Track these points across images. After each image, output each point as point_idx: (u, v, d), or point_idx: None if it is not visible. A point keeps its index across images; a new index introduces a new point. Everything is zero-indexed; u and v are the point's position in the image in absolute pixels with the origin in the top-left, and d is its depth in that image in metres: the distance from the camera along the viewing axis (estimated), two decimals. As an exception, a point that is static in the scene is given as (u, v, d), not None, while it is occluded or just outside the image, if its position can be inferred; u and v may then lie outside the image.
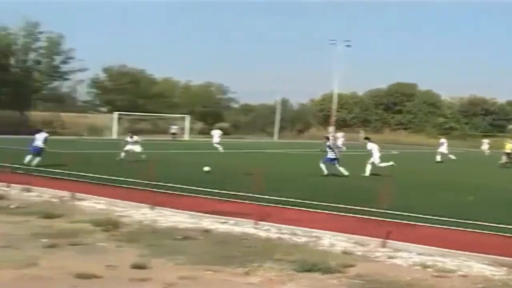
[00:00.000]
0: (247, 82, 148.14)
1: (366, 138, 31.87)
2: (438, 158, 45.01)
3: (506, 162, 42.50)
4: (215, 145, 47.27)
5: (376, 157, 29.67)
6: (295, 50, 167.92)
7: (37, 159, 26.96)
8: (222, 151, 45.48)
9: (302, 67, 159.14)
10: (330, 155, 28.81)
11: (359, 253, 12.31)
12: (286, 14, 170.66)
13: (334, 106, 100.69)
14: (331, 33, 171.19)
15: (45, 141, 28.27)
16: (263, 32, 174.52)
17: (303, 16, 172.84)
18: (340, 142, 54.18)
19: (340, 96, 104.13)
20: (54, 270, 9.88)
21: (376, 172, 28.62)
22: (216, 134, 50.07)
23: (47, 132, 29.59)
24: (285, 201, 18.48)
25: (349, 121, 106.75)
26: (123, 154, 32.26)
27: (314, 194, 20.36)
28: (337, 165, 28.42)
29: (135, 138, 33.69)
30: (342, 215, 16.74)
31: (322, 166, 28.25)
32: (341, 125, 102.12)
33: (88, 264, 10.31)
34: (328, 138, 31.04)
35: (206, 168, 27.32)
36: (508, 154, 43.16)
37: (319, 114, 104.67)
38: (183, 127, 78.57)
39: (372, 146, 30.15)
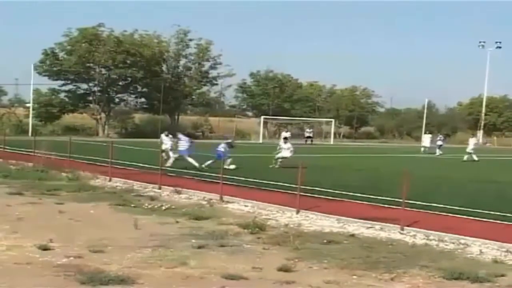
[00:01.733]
0: (393, 86, 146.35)
1: (285, 139, 34.99)
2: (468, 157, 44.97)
3: None
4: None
5: (284, 152, 31.21)
6: (442, 53, 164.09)
7: (209, 162, 28.53)
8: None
9: (450, 70, 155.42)
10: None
11: (511, 263, 11.83)
12: (433, 16, 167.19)
13: (483, 109, 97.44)
14: (481, 35, 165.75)
15: (226, 148, 29.86)
16: (408, 34, 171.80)
17: (450, 17, 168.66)
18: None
19: (489, 99, 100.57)
20: (204, 270, 10.16)
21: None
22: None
23: (228, 141, 31.46)
24: (433, 206, 18.05)
25: (499, 125, 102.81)
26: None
27: (463, 200, 19.74)
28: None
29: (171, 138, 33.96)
30: (492, 222, 16.15)
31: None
32: (490, 129, 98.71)
33: (235, 265, 10.52)
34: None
35: (232, 166, 27.90)
36: None
37: (467, 118, 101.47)
38: (319, 131, 78.62)
39: (285, 145, 31.93)
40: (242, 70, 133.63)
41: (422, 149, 54.88)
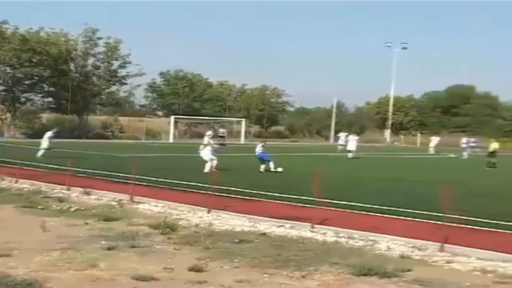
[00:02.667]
0: (303, 85, 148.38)
1: (221, 137, 35.61)
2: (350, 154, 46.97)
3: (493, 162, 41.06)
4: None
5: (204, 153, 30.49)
6: (351, 53, 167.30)
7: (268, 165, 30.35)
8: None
9: (358, 70, 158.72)
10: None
11: (417, 258, 12.15)
12: (342, 16, 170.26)
13: (390, 109, 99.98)
14: (388, 36, 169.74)
15: (263, 148, 31.52)
16: (318, 34, 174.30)
17: (358, 18, 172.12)
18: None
19: (396, 99, 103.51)
20: (114, 272, 10.01)
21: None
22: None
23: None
24: (344, 205, 18.36)
25: (406, 124, 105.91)
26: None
27: (372, 198, 20.20)
28: None
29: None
30: (400, 219, 16.55)
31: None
32: (397, 128, 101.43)
33: (146, 267, 10.41)
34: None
35: (280, 169, 29.52)
36: (491, 153, 42.31)
37: (375, 117, 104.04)
38: (230, 130, 79.08)
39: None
40: (152, 69, 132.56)
41: (339, 147, 55.80)
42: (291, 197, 19.53)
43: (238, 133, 78.94)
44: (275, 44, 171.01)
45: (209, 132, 41.07)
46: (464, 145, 57.18)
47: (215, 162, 29.03)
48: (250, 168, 31.07)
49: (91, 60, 72.72)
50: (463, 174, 35.30)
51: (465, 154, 54.88)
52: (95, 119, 79.04)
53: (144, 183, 21.86)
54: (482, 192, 25.11)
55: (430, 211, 16.75)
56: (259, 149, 31.18)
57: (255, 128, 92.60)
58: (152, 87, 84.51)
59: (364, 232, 14.19)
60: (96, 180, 23.41)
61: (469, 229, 15.16)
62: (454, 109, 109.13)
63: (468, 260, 11.98)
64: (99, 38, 71.43)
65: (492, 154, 41.96)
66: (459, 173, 36.30)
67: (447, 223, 13.24)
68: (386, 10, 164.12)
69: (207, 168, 28.36)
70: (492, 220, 16.04)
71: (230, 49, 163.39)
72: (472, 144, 58.59)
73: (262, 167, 30.17)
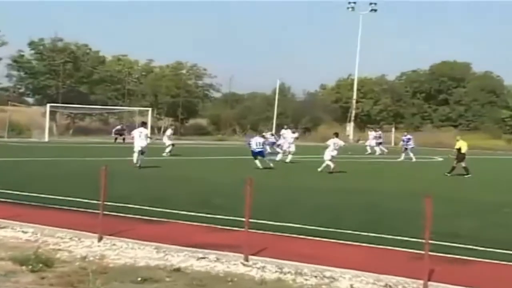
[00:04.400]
0: (233, 63, 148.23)
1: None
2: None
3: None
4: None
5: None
6: (300, 18, 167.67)
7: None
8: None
9: (309, 43, 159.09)
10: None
11: (392, 301, 12.34)
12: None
13: (354, 95, 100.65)
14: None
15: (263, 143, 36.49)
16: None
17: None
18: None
19: (362, 81, 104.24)
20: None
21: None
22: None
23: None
24: (287, 227, 18.46)
25: (375, 116, 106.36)
26: None
27: (326, 218, 20.35)
28: None
29: None
30: (366, 247, 16.72)
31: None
32: (364, 121, 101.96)
33: (8, 319, 10.32)
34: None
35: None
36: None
37: (333, 107, 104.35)
38: (131, 124, 78.82)
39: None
40: (18, 38, 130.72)
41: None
42: (212, 217, 19.55)
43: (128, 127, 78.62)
44: (189, 6, 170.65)
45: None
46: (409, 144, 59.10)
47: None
48: (155, 178, 30.98)
49: None
50: (426, 182, 36.08)
51: (402, 155, 58.09)
52: None
53: (7, 200, 21.61)
54: (466, 209, 25.50)
55: (403, 236, 17.00)
56: (260, 145, 35.92)
57: (167, 121, 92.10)
58: (18, 63, 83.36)
59: (317, 266, 14.29)
60: None
61: (460, 260, 15.45)
62: (442, 95, 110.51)
63: (461, 304, 12.23)
64: None
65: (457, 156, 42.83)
66: (422, 181, 37.10)
67: (429, 253, 13.43)
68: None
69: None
70: (491, 249, 16.37)
71: (129, 14, 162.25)
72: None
73: (259, 163, 34.97)
